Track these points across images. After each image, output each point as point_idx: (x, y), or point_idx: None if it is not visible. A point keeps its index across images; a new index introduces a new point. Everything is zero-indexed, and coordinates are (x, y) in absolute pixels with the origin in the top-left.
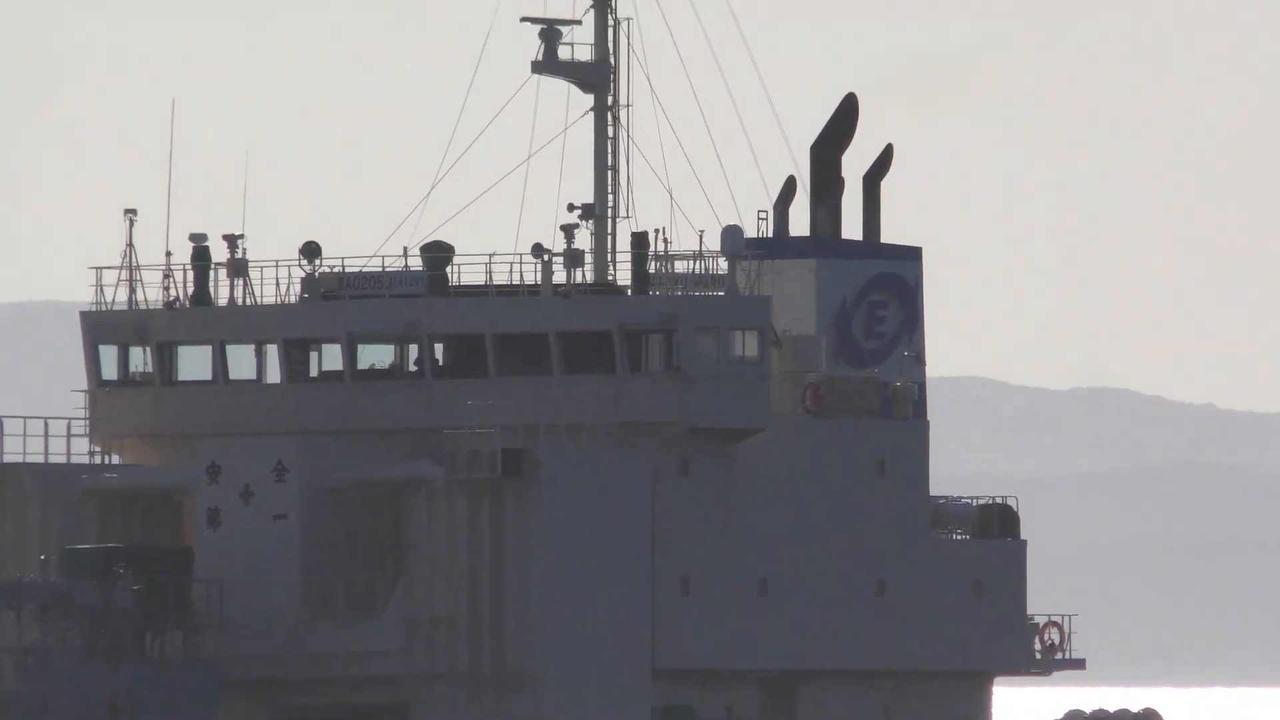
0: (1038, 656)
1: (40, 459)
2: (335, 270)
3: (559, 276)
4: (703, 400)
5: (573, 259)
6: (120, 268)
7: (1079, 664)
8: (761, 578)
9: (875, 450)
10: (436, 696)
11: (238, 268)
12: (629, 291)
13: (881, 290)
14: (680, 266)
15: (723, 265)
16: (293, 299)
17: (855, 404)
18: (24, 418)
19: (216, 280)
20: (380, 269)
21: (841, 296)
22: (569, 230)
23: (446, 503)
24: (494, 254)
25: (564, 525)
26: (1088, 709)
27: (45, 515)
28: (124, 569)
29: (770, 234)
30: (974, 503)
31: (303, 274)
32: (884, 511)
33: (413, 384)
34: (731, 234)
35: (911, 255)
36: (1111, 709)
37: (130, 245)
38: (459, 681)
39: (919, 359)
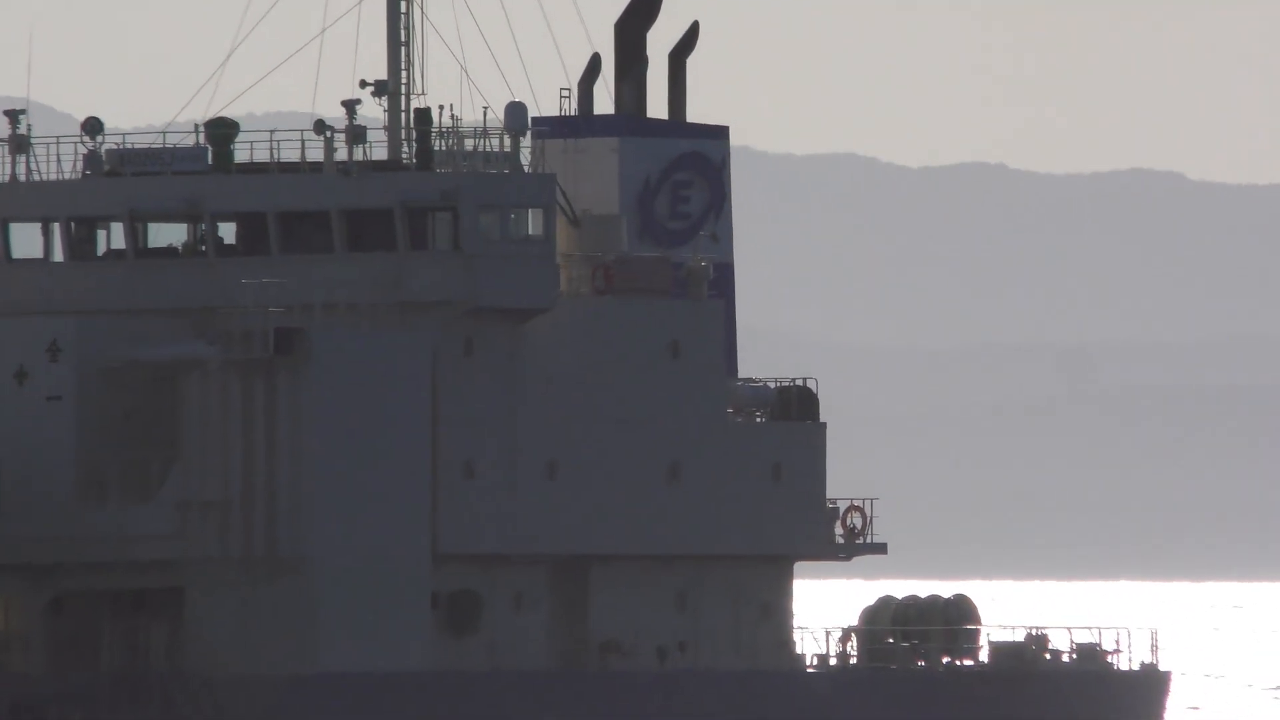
0: (839, 541)
1: None
2: (117, 147)
3: (342, 153)
4: (485, 279)
5: (355, 135)
6: None
7: (880, 548)
8: (549, 460)
9: (668, 331)
10: (210, 581)
11: (19, 143)
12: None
13: (686, 169)
14: (469, 145)
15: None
16: (75, 175)
17: (647, 284)
18: None
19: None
20: (163, 145)
21: (645, 176)
22: (350, 106)
23: (220, 383)
24: (275, 130)
25: (337, 405)
26: (898, 596)
27: None
28: None
29: (574, 112)
30: (772, 385)
31: (85, 150)
32: (677, 394)
33: (195, 263)
34: (515, 110)
35: (718, 134)
36: (921, 596)
37: None
38: (232, 566)
39: (715, 239)
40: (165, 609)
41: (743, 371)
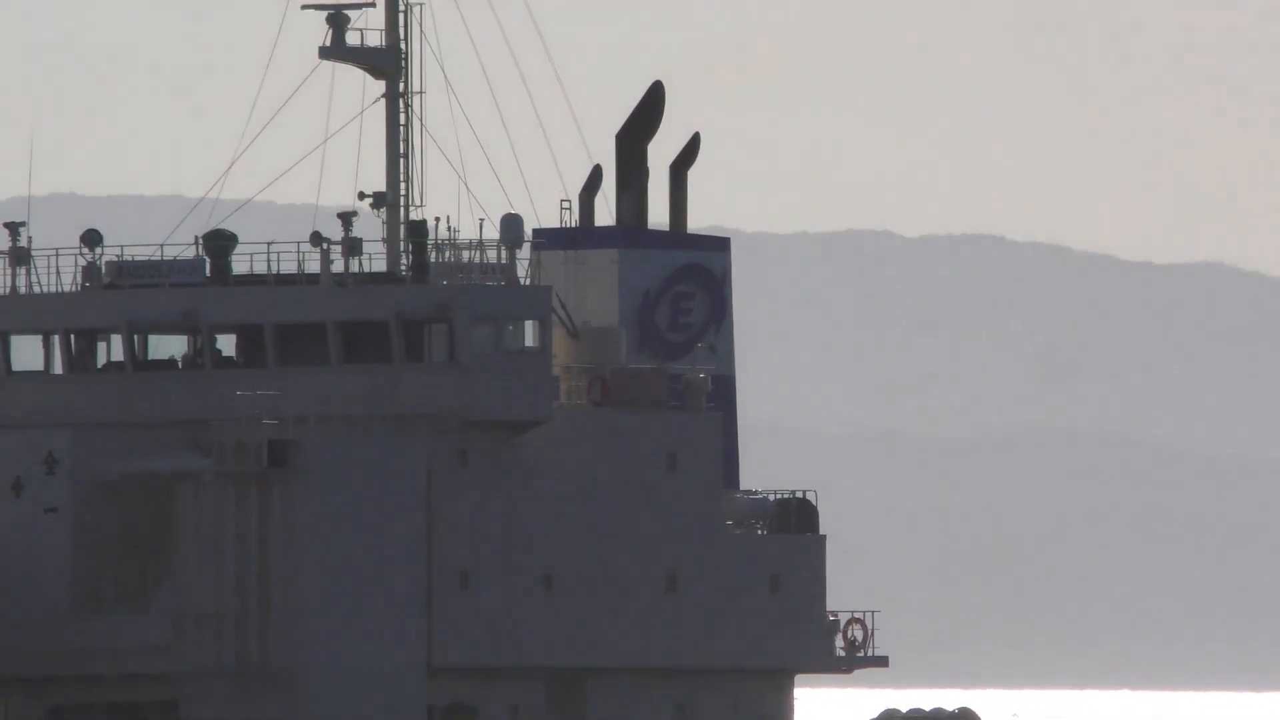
0: (840, 654)
1: None
2: (116, 259)
3: (338, 265)
4: (480, 391)
5: (351, 247)
6: None
7: (882, 662)
8: (546, 573)
9: (666, 443)
10: (204, 693)
11: (19, 256)
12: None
13: (687, 281)
14: (467, 257)
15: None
16: (74, 288)
17: (644, 396)
18: None
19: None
20: (160, 258)
21: (645, 287)
22: (346, 218)
23: (214, 495)
24: (273, 242)
25: (330, 517)
26: (902, 709)
27: None
28: None
29: (575, 223)
30: (772, 497)
31: (84, 262)
32: (675, 505)
33: (192, 375)
34: (511, 222)
35: (719, 246)
36: (926, 709)
37: None
38: (226, 678)
39: (713, 350)
40: None
41: (746, 480)
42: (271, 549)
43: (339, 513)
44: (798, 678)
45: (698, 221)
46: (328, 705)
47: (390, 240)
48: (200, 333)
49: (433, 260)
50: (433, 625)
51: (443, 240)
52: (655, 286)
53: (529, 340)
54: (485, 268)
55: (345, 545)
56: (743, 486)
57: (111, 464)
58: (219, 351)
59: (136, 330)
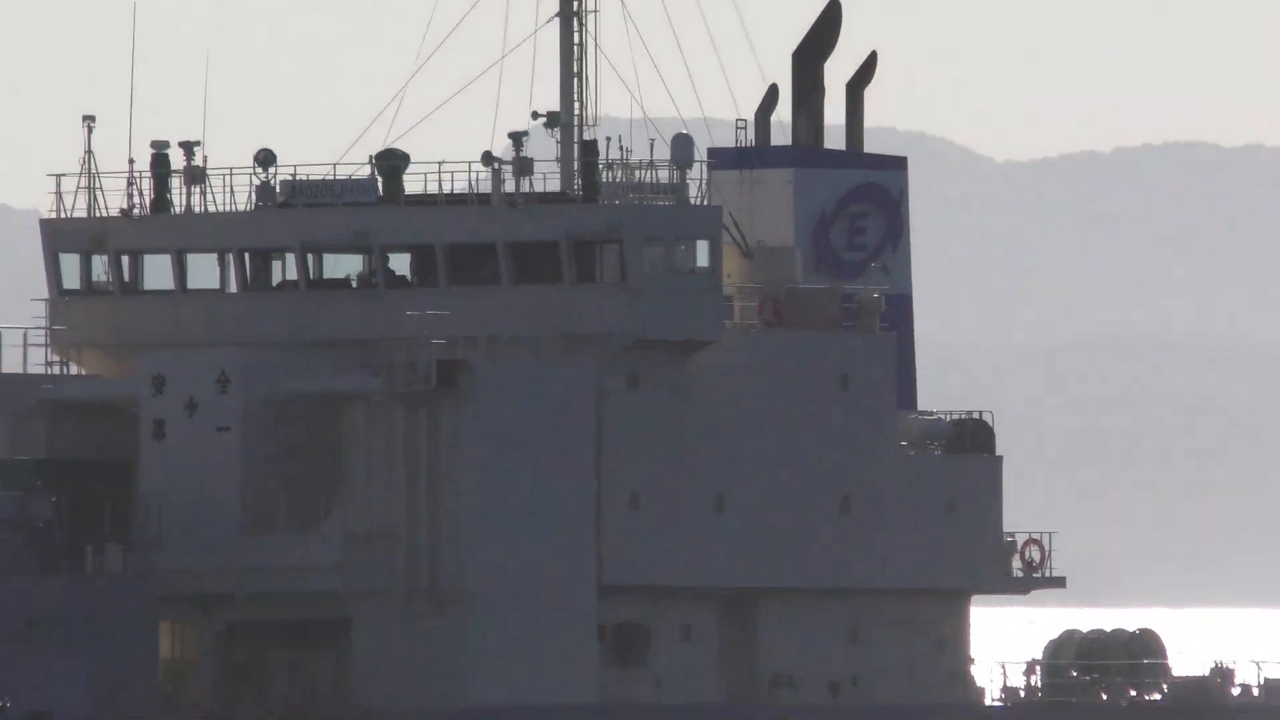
0: (1017, 575)
1: None
2: (289, 179)
3: (509, 186)
4: (650, 311)
5: (522, 167)
6: (79, 175)
7: (1059, 582)
8: (717, 493)
9: (838, 363)
10: (375, 613)
11: (194, 175)
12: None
13: (863, 201)
14: (638, 177)
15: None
16: (249, 207)
17: (817, 316)
18: None
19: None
20: (333, 177)
21: (821, 207)
22: (517, 138)
23: (384, 415)
24: (443, 162)
25: (498, 438)
26: (1082, 629)
27: None
28: (41, 482)
29: (750, 143)
30: (948, 417)
31: (258, 182)
32: (847, 426)
33: (363, 294)
34: (681, 143)
35: (895, 165)
36: (1107, 629)
37: (89, 152)
38: (396, 597)
39: (886, 270)
40: (333, 640)
41: (923, 401)
42: (441, 469)
43: (508, 433)
44: (974, 599)
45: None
46: (498, 624)
47: (564, 160)
48: (372, 252)
49: (604, 180)
50: (603, 545)
51: (614, 160)
52: (830, 206)
53: (701, 260)
54: (656, 187)
55: (514, 465)
56: (919, 407)
57: (282, 383)
58: (392, 271)
59: (309, 250)
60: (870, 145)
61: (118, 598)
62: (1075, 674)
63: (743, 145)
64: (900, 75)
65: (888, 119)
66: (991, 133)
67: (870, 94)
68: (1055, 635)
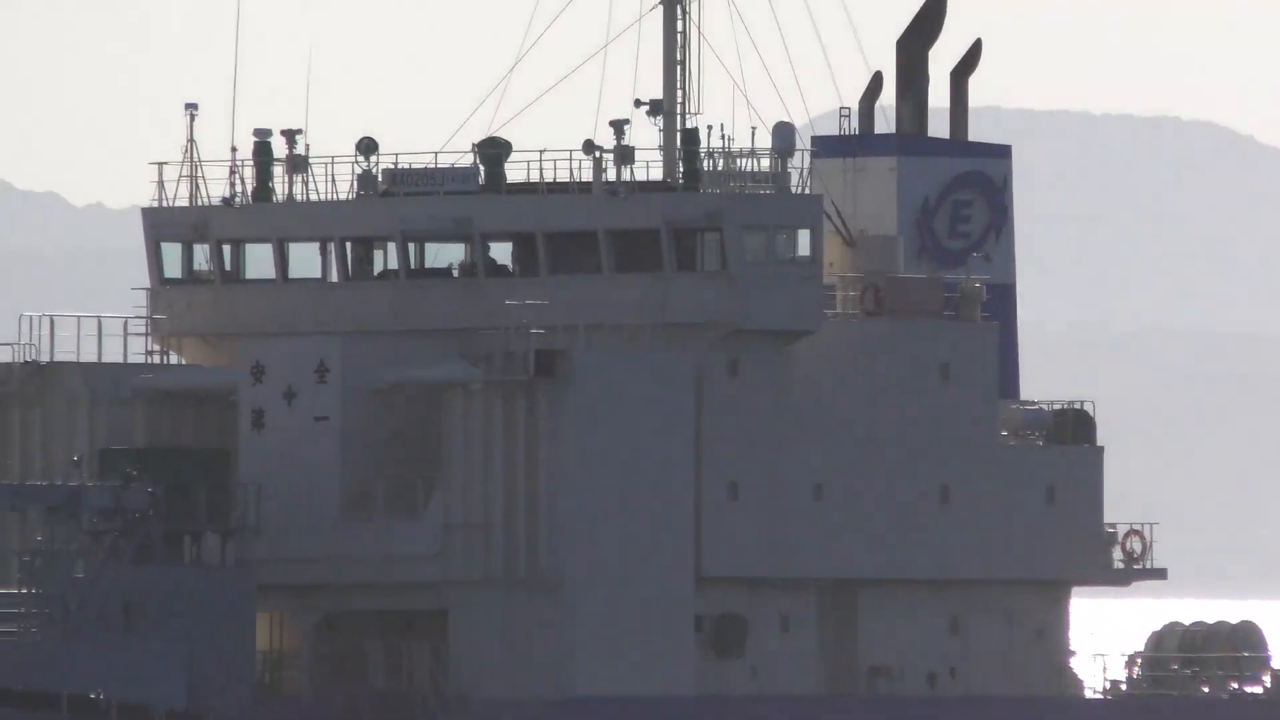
0: (1118, 566)
1: (94, 359)
2: (391, 167)
3: (611, 174)
4: (751, 300)
5: (623, 155)
6: (181, 163)
7: (1160, 574)
8: (816, 483)
9: (939, 353)
10: (473, 602)
11: (296, 164)
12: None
13: (967, 189)
14: (741, 165)
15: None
16: (350, 196)
17: (918, 305)
18: (78, 316)
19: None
20: (435, 165)
21: (924, 195)
22: (619, 126)
23: (482, 404)
24: (544, 150)
25: (597, 427)
26: (1185, 621)
27: (93, 416)
28: (137, 471)
29: (854, 131)
30: (1048, 407)
31: (359, 170)
32: (948, 416)
33: (463, 283)
34: (782, 131)
35: (1000, 153)
36: (1209, 621)
37: (191, 140)
38: (494, 587)
39: (988, 258)
40: (431, 629)
41: (1026, 390)
42: (539, 458)
43: (607, 422)
44: (1074, 590)
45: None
46: (595, 614)
47: (667, 148)
48: (473, 241)
49: (705, 169)
50: (701, 536)
51: (715, 148)
52: (934, 194)
53: (802, 249)
54: (758, 176)
55: (613, 455)
56: (1022, 397)
57: (381, 372)
58: (493, 260)
59: (410, 238)
60: (976, 129)
61: (215, 587)
62: (1176, 667)
63: (846, 134)
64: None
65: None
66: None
67: (977, 80)
68: (1157, 627)
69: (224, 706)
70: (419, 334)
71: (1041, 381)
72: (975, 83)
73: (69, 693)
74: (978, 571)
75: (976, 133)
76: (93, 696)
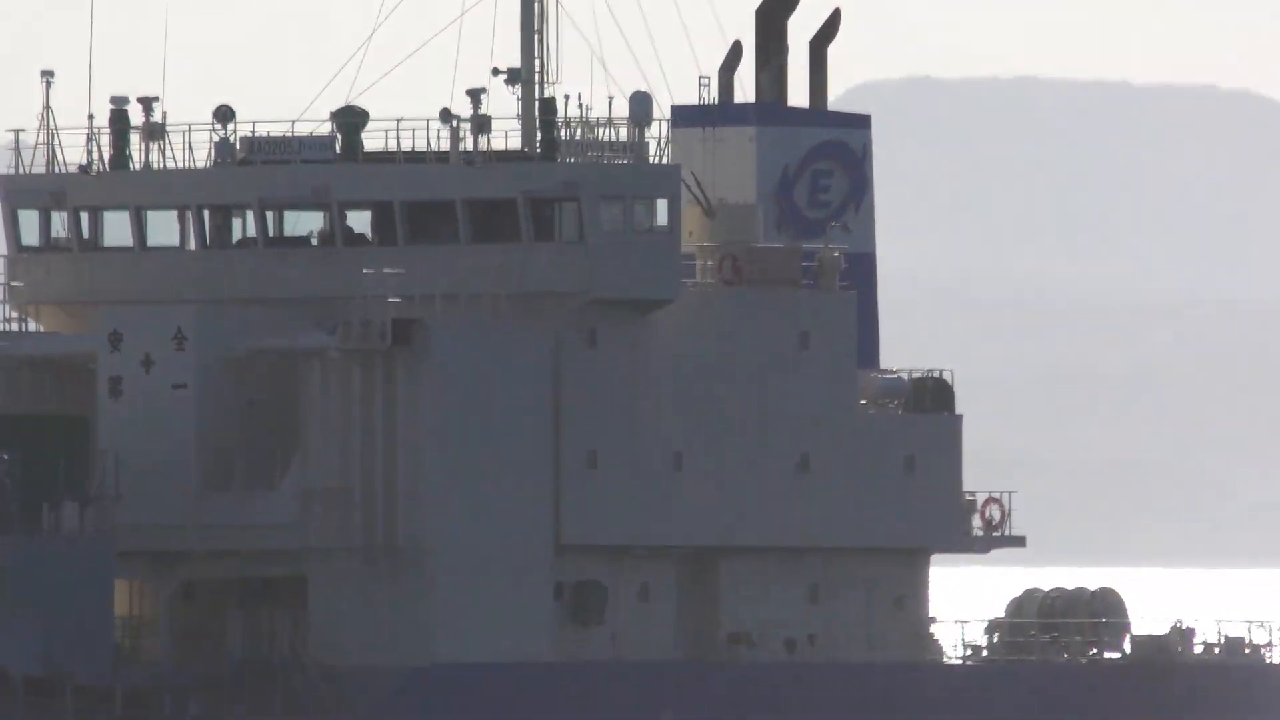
0: (978, 534)
1: None
2: (248, 135)
3: (468, 143)
4: (608, 270)
5: (479, 125)
6: (38, 131)
7: (1019, 541)
8: (676, 451)
9: (798, 322)
10: (332, 570)
11: (153, 131)
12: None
13: (826, 158)
14: (598, 135)
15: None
16: (208, 164)
17: (777, 274)
18: None
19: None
20: (292, 134)
21: (784, 164)
22: (475, 95)
23: (340, 373)
24: (401, 119)
25: (455, 397)
26: (1043, 588)
27: None
28: None
29: (714, 100)
30: (907, 376)
31: (216, 138)
32: (807, 385)
33: (323, 252)
34: (640, 100)
35: (859, 123)
36: (1068, 588)
37: (47, 108)
38: (353, 556)
39: (847, 229)
40: (291, 597)
41: (886, 360)
42: (397, 427)
43: (464, 391)
44: (934, 558)
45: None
46: (454, 582)
47: (525, 117)
48: (331, 209)
49: (564, 138)
50: (561, 504)
51: (572, 118)
52: (794, 164)
53: (659, 219)
54: (615, 146)
55: (471, 424)
56: (882, 366)
57: (239, 340)
58: (351, 229)
59: (268, 206)
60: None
61: (73, 555)
62: (1035, 633)
63: (705, 103)
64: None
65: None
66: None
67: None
68: (1017, 594)
69: (81, 674)
70: (278, 302)
71: (901, 354)
72: (1005, 54)
73: None
74: (837, 539)
75: (1018, 106)
76: None
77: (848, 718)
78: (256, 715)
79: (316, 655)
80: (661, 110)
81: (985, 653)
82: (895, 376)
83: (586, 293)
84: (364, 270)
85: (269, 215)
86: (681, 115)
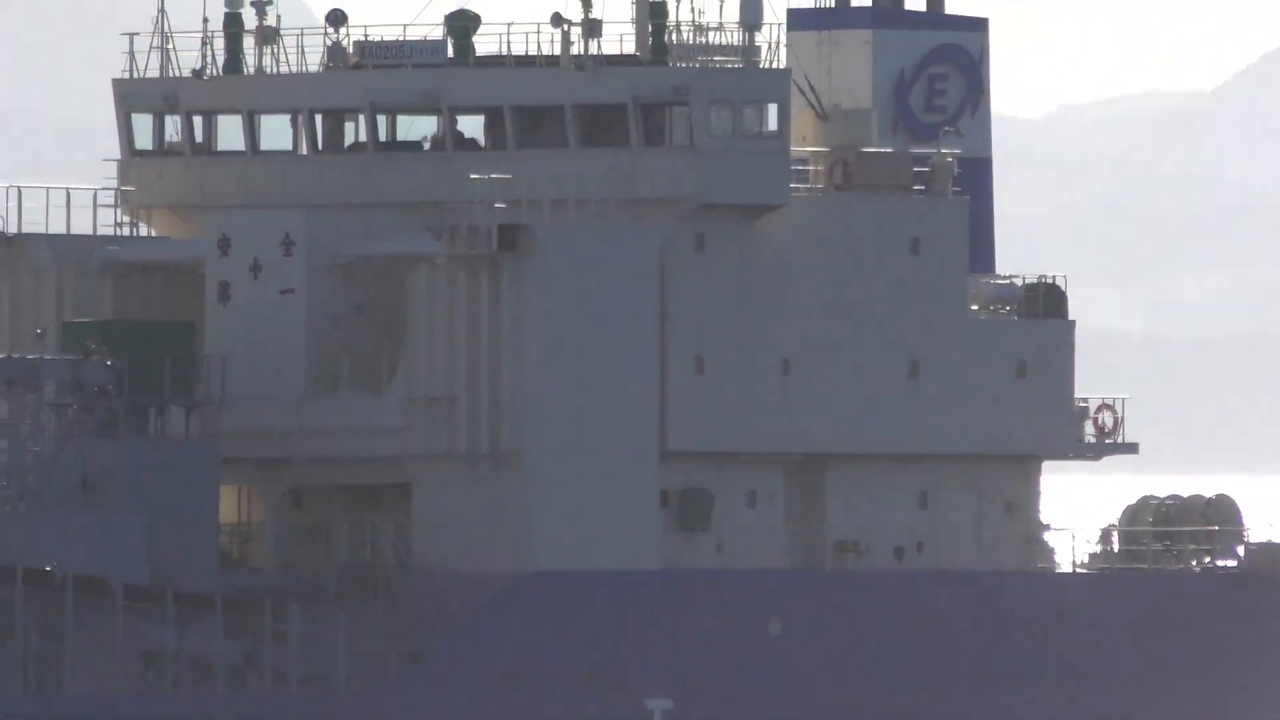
0: (1089, 440)
1: (62, 231)
2: (359, 40)
3: (578, 47)
4: (717, 175)
5: (590, 29)
6: (152, 35)
7: (1132, 448)
8: (783, 358)
9: (908, 227)
10: (436, 476)
11: (266, 35)
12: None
13: (942, 62)
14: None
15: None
16: (320, 68)
17: (887, 179)
18: (47, 187)
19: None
20: (403, 38)
21: (899, 69)
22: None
23: (446, 279)
24: (513, 23)
25: (560, 302)
26: (1159, 495)
27: (60, 288)
28: (100, 344)
29: (829, 3)
30: (1020, 281)
31: (329, 42)
32: (917, 291)
33: (433, 156)
34: (750, 3)
35: (976, 26)
36: (1184, 495)
37: (162, 11)
38: (456, 462)
39: (960, 133)
40: (397, 504)
41: (1003, 266)
42: (502, 334)
43: (570, 297)
44: (1045, 465)
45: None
46: (557, 489)
47: (636, 21)
48: (442, 114)
49: (673, 42)
50: (667, 410)
51: (683, 21)
52: (910, 68)
53: (769, 124)
54: (726, 50)
55: (577, 330)
56: (998, 272)
57: (346, 246)
58: (461, 134)
59: (379, 110)
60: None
61: (178, 460)
62: (1149, 541)
63: (820, 6)
64: None
65: None
66: None
67: None
68: (1131, 503)
69: (185, 580)
70: (388, 207)
71: (1016, 261)
72: None
73: (24, 566)
74: (947, 446)
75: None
76: (47, 569)
77: (956, 625)
78: (358, 622)
79: (420, 562)
80: (776, 14)
81: (1097, 562)
82: (1008, 282)
83: (695, 198)
84: (471, 175)
85: (381, 120)
86: (797, 19)
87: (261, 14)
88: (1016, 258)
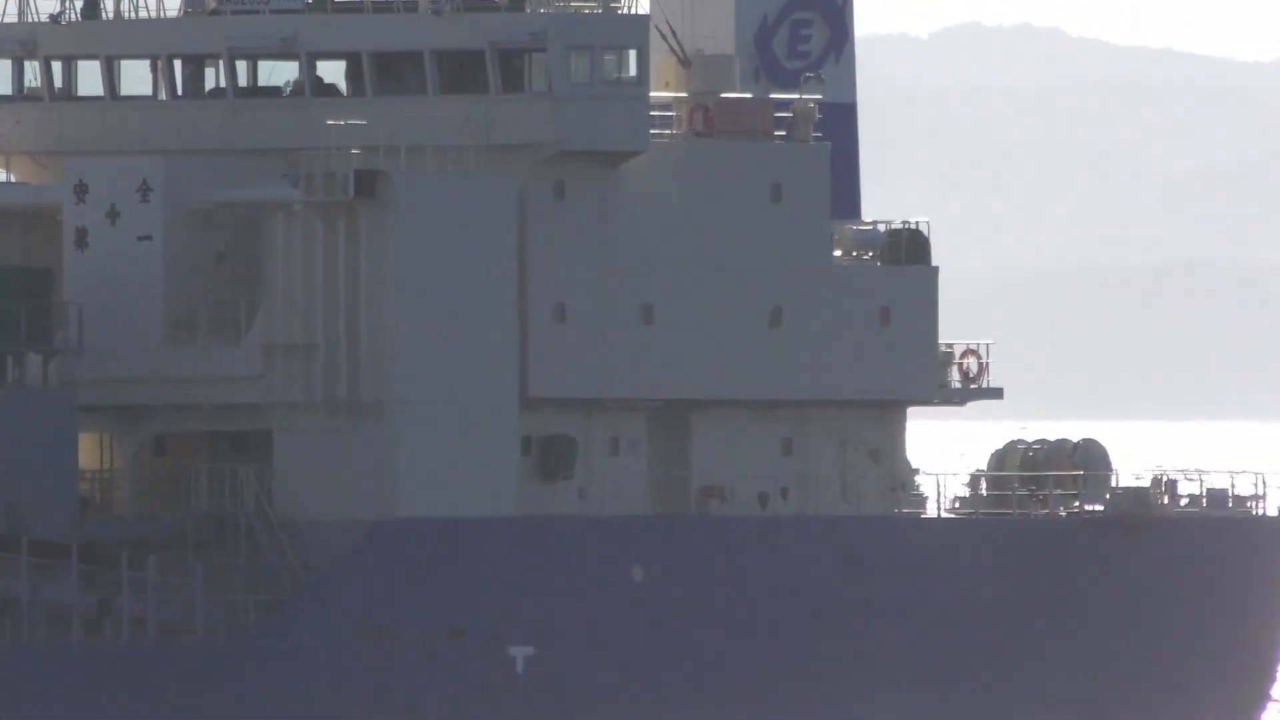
0: (954, 386)
1: None
2: None
3: None
4: (575, 121)
5: None
6: None
7: (997, 394)
8: (645, 304)
9: (770, 174)
10: (296, 424)
11: None
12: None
13: (806, 8)
14: None
15: None
16: (179, 13)
17: (749, 126)
18: None
19: None
20: None
21: (762, 14)
22: None
23: (303, 226)
24: None
25: (418, 249)
26: (1028, 440)
27: None
28: None
29: None
30: (882, 227)
31: None
32: (779, 238)
33: (291, 103)
34: None
35: None
36: (1051, 440)
37: None
38: (317, 410)
39: (821, 80)
40: (258, 453)
41: (869, 213)
42: (361, 281)
43: (428, 244)
44: (911, 411)
45: None
46: (418, 436)
47: None
48: (301, 60)
49: None
50: (528, 357)
51: None
52: (773, 14)
53: (629, 70)
54: None
55: (435, 277)
56: (863, 218)
57: (204, 193)
58: (321, 79)
59: (237, 56)
60: None
61: (35, 408)
62: (1016, 486)
63: None
64: None
65: None
66: None
67: None
68: (999, 447)
69: (43, 529)
70: (247, 154)
71: (881, 207)
72: None
73: None
74: (810, 393)
75: None
76: None
77: (820, 571)
78: (217, 571)
79: (281, 510)
80: None
81: (962, 506)
82: (871, 228)
83: (554, 144)
84: (328, 121)
85: (241, 66)
86: None
87: None
88: (884, 205)
